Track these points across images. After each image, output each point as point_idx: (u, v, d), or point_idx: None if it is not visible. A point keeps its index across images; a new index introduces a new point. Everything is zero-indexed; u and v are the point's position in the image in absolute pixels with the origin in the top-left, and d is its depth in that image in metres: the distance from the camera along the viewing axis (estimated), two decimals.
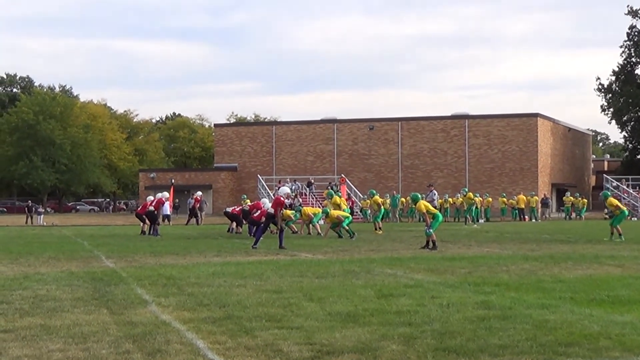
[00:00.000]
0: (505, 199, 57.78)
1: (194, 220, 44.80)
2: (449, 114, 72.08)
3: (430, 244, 21.95)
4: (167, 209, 43.73)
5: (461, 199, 53.25)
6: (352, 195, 58.01)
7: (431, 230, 21.93)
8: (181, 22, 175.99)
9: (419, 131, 70.10)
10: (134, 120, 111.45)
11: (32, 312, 10.12)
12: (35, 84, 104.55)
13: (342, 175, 63.39)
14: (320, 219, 31.38)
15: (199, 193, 46.52)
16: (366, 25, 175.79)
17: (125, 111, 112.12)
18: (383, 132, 70.96)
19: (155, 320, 9.47)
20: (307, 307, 10.43)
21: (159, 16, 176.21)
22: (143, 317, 9.65)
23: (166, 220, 43.35)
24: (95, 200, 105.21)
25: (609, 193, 27.95)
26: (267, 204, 26.41)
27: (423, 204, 22.68)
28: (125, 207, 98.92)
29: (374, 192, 36.18)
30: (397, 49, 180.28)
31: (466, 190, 48.39)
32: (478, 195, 55.03)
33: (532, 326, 8.84)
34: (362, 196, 57.68)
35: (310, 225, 30.52)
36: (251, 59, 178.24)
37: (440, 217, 23.34)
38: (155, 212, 31.14)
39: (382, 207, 35.64)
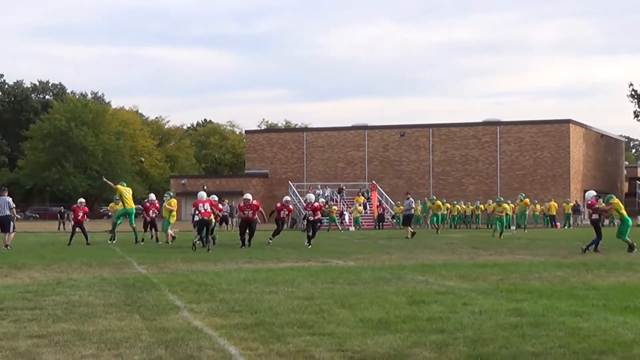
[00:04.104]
0: (538, 206, 57.38)
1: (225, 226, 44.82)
2: (480, 121, 71.85)
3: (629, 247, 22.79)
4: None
5: (493, 206, 52.95)
6: (383, 201, 57.96)
7: (623, 236, 22.93)
8: (212, 30, 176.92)
9: (450, 138, 69.94)
10: (165, 126, 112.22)
11: (65, 318, 10.18)
12: (68, 91, 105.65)
13: (373, 181, 63.38)
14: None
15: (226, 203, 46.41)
16: (396, 32, 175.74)
17: (156, 118, 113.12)
18: (414, 139, 70.87)
19: (187, 326, 9.49)
20: (338, 313, 10.41)
21: (190, 23, 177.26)
22: (175, 323, 9.67)
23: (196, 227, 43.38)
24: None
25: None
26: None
27: (617, 202, 23.50)
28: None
29: (435, 198, 39.20)
30: (428, 56, 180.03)
31: (501, 199, 47.16)
32: (510, 202, 54.75)
33: (565, 333, 8.76)
34: (393, 203, 57.59)
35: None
36: (282, 66, 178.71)
37: (630, 222, 23.69)
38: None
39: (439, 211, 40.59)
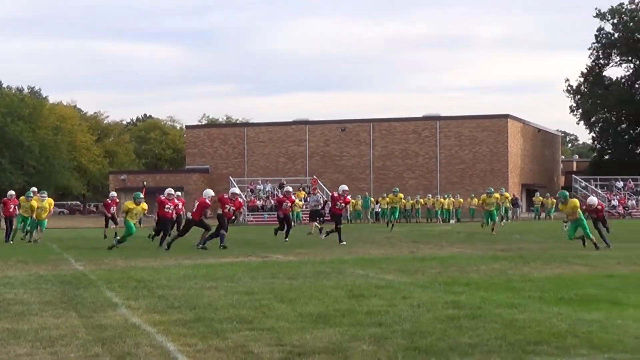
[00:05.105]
0: (476, 200, 58.06)
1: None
2: (420, 115, 72.37)
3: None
4: None
5: (432, 200, 53.62)
6: (323, 196, 58.03)
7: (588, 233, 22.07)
8: (153, 24, 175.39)
9: (390, 132, 70.31)
10: (104, 122, 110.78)
11: None
12: (3, 86, 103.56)
13: (314, 176, 63.48)
14: None
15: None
16: (337, 27, 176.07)
17: (95, 113, 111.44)
18: (355, 134, 71.11)
19: (125, 323, 9.41)
20: (278, 308, 10.42)
21: (130, 17, 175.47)
22: (112, 320, 9.59)
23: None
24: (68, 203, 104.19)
25: (567, 193, 24.84)
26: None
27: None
28: (95, 210, 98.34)
29: (397, 189, 40.41)
30: (369, 51, 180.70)
31: (492, 190, 44.06)
32: (449, 196, 55.44)
33: (501, 325, 8.88)
34: None
35: None
36: (223, 61, 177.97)
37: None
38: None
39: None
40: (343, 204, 26.48)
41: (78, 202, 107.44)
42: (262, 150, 73.03)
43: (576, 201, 23.14)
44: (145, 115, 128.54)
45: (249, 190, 59.19)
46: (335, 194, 26.58)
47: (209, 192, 23.75)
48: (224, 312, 10.06)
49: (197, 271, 15.61)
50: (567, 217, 23.12)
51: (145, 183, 37.76)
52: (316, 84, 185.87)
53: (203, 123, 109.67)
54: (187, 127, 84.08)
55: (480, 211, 35.10)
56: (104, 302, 11.24)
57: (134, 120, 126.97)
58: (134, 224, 24.05)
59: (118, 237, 24.02)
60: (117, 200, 32.97)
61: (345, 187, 26.86)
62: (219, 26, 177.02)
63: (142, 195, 24.52)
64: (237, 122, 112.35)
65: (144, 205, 24.45)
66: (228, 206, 23.64)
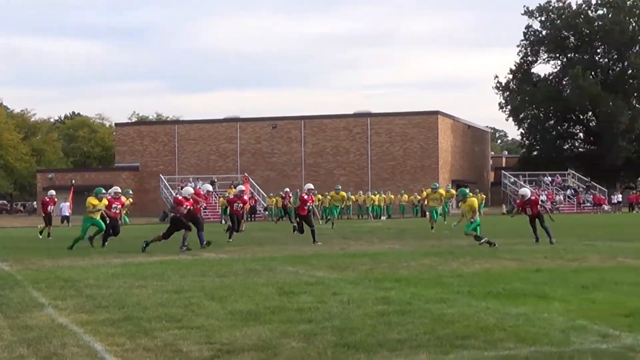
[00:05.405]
0: (406, 196, 58.60)
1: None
2: (351, 112, 72.68)
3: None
4: (66, 210, 42.89)
5: (363, 197, 53.91)
6: (255, 194, 58.00)
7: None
8: (81, 19, 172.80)
9: (321, 129, 70.52)
10: (31, 119, 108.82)
11: None
12: None
13: (245, 174, 63.29)
14: None
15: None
16: (268, 24, 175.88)
17: (22, 111, 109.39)
18: (286, 131, 71.15)
19: (52, 323, 9.25)
20: (208, 306, 10.36)
21: (58, 13, 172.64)
22: (39, 321, 9.42)
23: (65, 221, 42.51)
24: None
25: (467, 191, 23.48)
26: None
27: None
28: (22, 209, 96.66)
29: (340, 187, 40.84)
30: (300, 48, 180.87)
31: (437, 185, 42.65)
32: (380, 192, 55.79)
33: (430, 320, 8.96)
34: (265, 195, 57.76)
35: None
36: (153, 58, 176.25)
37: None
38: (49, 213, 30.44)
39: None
40: (241, 204, 26.15)
41: (5, 202, 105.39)
42: (193, 147, 72.62)
43: (474, 200, 22.58)
44: (73, 112, 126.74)
45: (179, 188, 58.76)
46: (305, 196, 25.24)
47: (188, 190, 22.80)
48: (152, 311, 9.97)
49: (125, 270, 15.44)
50: (462, 215, 22.60)
51: (73, 182, 37.30)
52: (247, 82, 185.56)
53: (133, 120, 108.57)
54: (116, 124, 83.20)
55: (410, 208, 34.79)
56: (30, 302, 11.05)
57: (62, 118, 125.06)
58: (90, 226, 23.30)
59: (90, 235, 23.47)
60: (55, 199, 32.28)
61: (311, 186, 25.85)
62: (146, 22, 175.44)
63: (104, 191, 23.91)
64: (168, 119, 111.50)
65: (106, 202, 23.75)
66: (202, 202, 23.35)
